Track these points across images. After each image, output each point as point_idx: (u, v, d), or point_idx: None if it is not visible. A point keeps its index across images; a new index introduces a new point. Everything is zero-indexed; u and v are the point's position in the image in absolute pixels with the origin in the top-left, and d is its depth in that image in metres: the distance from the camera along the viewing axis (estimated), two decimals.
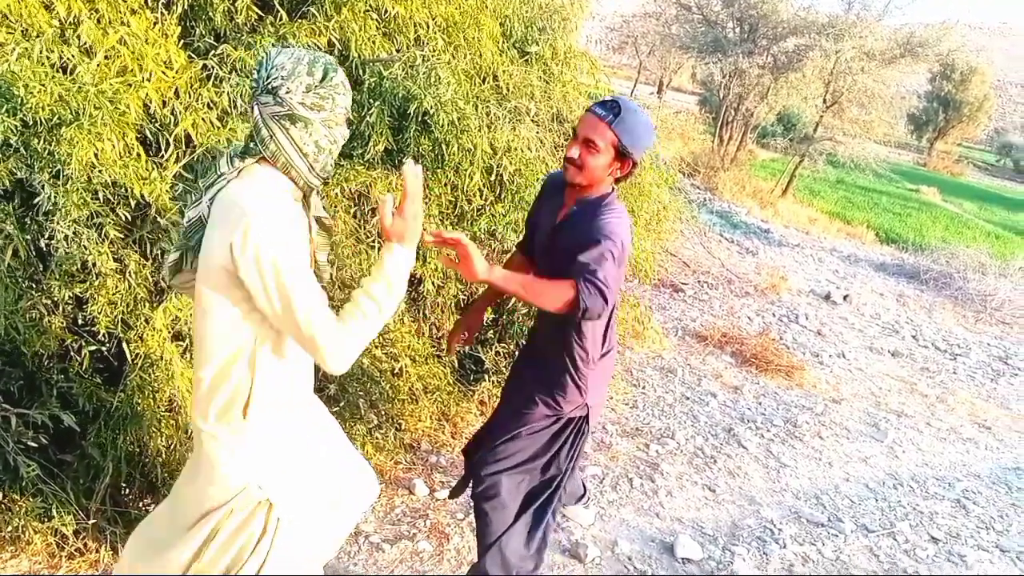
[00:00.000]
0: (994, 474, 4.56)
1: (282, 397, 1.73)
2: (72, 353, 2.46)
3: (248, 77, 3.10)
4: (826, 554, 3.37)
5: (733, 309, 7.05)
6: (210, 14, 3.20)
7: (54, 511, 2.39)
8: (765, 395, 5.05)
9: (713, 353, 5.61)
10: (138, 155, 2.55)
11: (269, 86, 1.54)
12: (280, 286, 1.51)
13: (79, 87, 2.41)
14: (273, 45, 3.20)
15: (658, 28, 18.00)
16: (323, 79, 1.56)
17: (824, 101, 14.66)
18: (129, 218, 2.57)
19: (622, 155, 2.15)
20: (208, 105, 2.97)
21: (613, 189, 2.27)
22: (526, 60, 4.96)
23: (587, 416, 2.43)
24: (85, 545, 2.47)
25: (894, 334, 7.65)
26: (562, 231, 2.27)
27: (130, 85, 2.52)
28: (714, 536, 3.35)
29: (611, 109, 2.12)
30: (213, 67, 3.06)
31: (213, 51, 3.12)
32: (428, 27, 3.99)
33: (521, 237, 2.77)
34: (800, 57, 13.41)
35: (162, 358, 2.55)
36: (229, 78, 3.07)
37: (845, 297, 8.58)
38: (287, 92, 1.54)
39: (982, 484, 4.39)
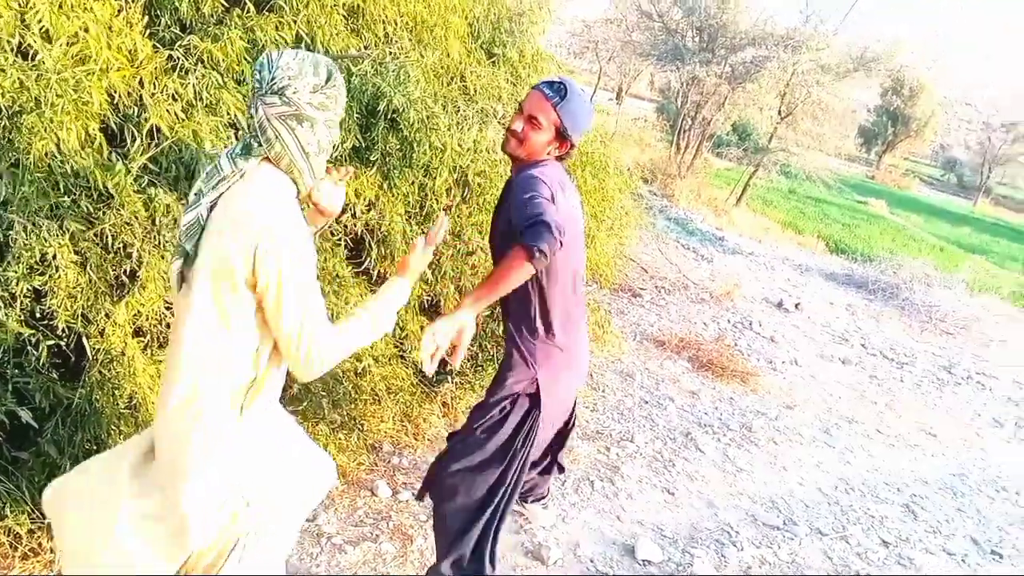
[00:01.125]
0: (940, 480, 4.69)
1: (272, 400, 1.74)
2: (29, 347, 2.38)
3: (215, 69, 3.07)
4: (782, 556, 3.43)
5: (689, 315, 7.14)
6: (176, 3, 3.14)
7: (7, 510, 2.32)
8: (721, 400, 5.12)
9: (671, 358, 5.67)
10: (101, 146, 2.49)
11: (275, 87, 1.56)
12: (296, 293, 1.57)
13: (40, 74, 2.35)
14: (241, 38, 3.16)
15: (619, 35, 18.14)
16: (328, 79, 1.59)
17: (779, 112, 14.92)
18: (91, 210, 2.51)
19: (562, 136, 2.27)
20: (173, 96, 2.92)
21: (548, 157, 2.34)
22: (493, 62, 4.96)
23: (537, 395, 2.40)
24: (40, 544, 2.40)
25: (844, 342, 7.82)
26: (498, 211, 2.41)
27: (93, 73, 2.45)
28: (674, 538, 3.38)
29: (558, 91, 2.23)
30: (179, 58, 3.00)
31: (179, 41, 3.06)
32: (396, 24, 3.98)
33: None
34: (757, 68, 13.62)
35: (123, 354, 2.49)
36: (195, 69, 3.02)
37: (797, 305, 8.74)
38: (294, 92, 1.56)
39: (929, 489, 4.51)
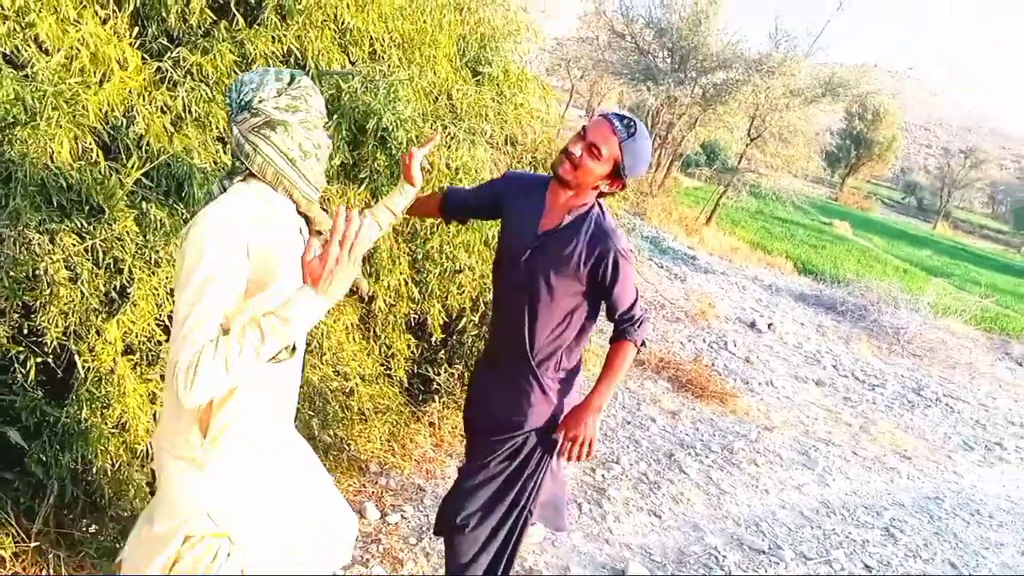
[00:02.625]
0: (916, 503, 4.74)
1: (256, 430, 1.65)
2: (16, 365, 2.31)
3: (204, 82, 3.02)
4: None
5: (667, 334, 7.17)
6: (163, 14, 3.08)
7: None
8: (701, 421, 5.14)
9: (651, 378, 5.68)
10: (96, 160, 2.43)
11: (242, 102, 1.55)
12: (193, 290, 1.39)
13: (35, 87, 2.28)
14: (231, 51, 3.11)
15: (591, 53, 18.29)
16: (291, 82, 1.57)
17: (748, 134, 15.14)
18: (82, 224, 2.44)
19: (617, 174, 2.12)
20: (162, 109, 2.86)
21: (596, 203, 2.24)
22: (478, 80, 4.95)
23: (554, 426, 2.38)
24: (23, 569, 2.31)
25: (816, 363, 7.91)
26: (551, 243, 2.20)
27: (89, 86, 2.39)
28: (662, 563, 3.37)
29: (627, 127, 2.09)
30: (168, 70, 2.95)
31: (167, 53, 3.01)
32: (384, 42, 3.95)
33: (443, 193, 2.55)
34: (729, 90, 13.82)
35: (113, 372, 2.42)
36: (184, 82, 2.96)
37: (770, 326, 8.83)
38: (260, 101, 1.54)
39: (907, 513, 4.55)
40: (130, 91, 2.72)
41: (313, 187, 1.65)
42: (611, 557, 3.32)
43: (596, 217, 2.21)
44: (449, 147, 3.79)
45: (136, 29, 2.95)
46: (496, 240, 4.01)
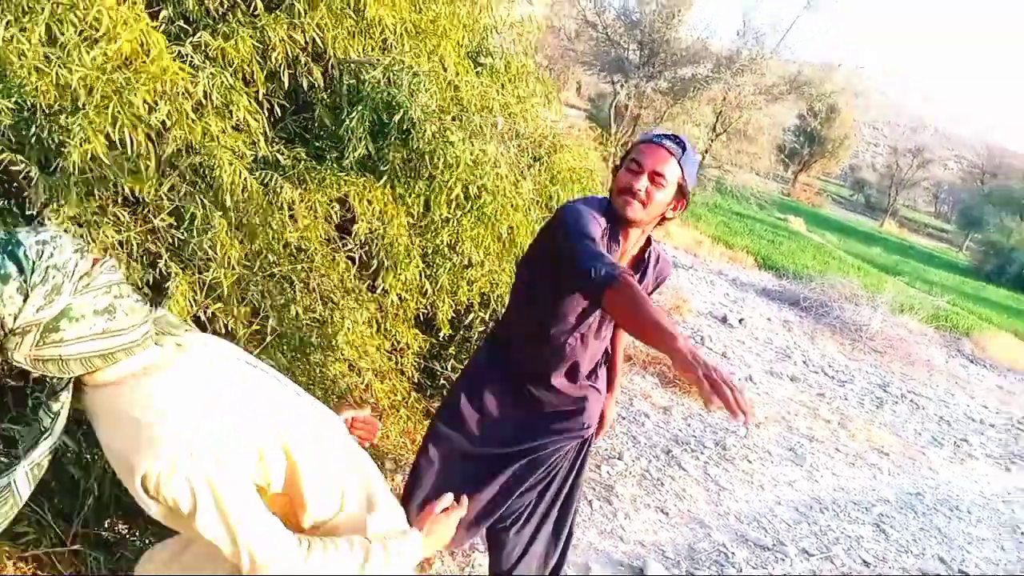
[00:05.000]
0: (900, 499, 4.89)
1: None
2: None
3: (224, 69, 2.94)
4: None
5: None
6: None
7: (30, 534, 2.17)
8: (692, 416, 5.21)
9: (639, 373, 5.74)
10: (142, 150, 2.35)
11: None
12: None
13: (84, 74, 2.20)
14: (251, 36, 3.03)
15: (559, 42, 18.27)
16: (22, 272, 1.14)
17: (714, 129, 15.32)
18: (119, 216, 2.37)
19: (681, 193, 2.03)
20: (183, 94, 2.79)
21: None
22: (478, 72, 4.92)
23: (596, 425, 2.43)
24: (58, 570, 2.25)
25: (787, 359, 8.07)
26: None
27: (139, 75, 2.32)
28: (676, 560, 3.42)
29: (679, 144, 1.99)
30: (188, 55, 2.87)
31: (185, 36, 2.93)
32: (395, 31, 3.90)
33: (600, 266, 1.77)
34: (697, 86, 13.96)
35: None
36: (204, 67, 2.89)
37: (740, 321, 8.97)
38: (15, 318, 1.14)
39: (892, 508, 4.68)
40: (158, 77, 2.65)
41: (138, 330, 1.26)
42: (627, 554, 3.35)
43: (656, 246, 2.21)
44: (470, 141, 3.76)
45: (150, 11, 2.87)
46: (507, 232, 4.02)
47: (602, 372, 2.46)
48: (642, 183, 1.96)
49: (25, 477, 1.30)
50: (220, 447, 1.26)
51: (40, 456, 1.31)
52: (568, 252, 1.84)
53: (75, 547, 2.25)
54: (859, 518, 4.40)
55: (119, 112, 2.25)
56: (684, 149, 2.00)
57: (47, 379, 1.25)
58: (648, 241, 2.17)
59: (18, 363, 1.17)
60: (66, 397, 1.26)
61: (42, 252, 1.14)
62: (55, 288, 1.14)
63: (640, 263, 2.17)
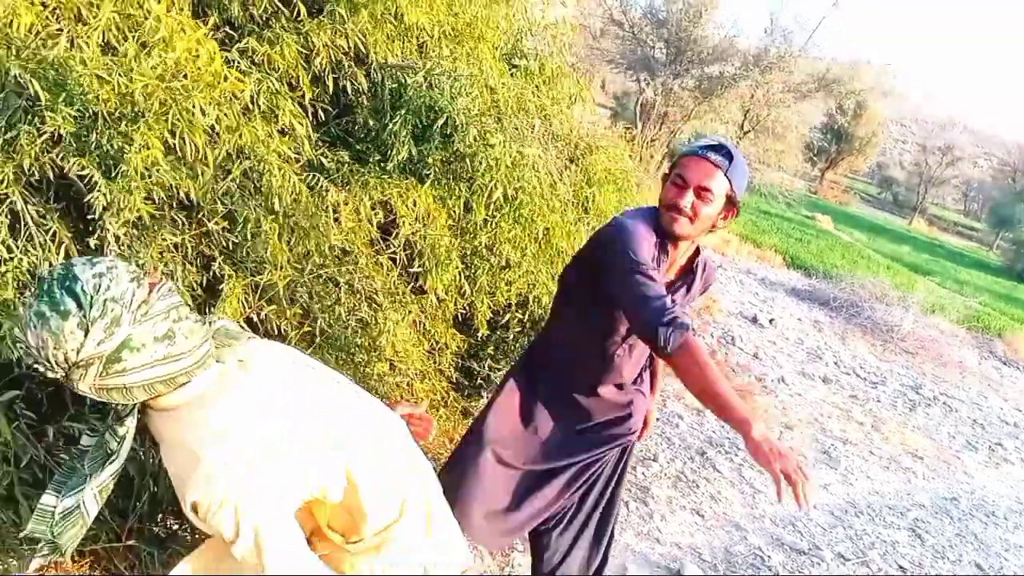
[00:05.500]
0: (935, 504, 4.86)
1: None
2: None
3: (269, 75, 2.98)
4: None
5: None
6: (225, 2, 3.04)
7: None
8: None
9: (670, 374, 5.73)
10: (197, 159, 2.40)
11: (60, 363, 1.16)
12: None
13: (145, 83, 2.25)
14: (295, 42, 3.08)
15: (584, 41, 18.25)
16: (80, 306, 1.17)
17: (742, 128, 15.24)
18: (175, 220, 2.43)
19: (730, 203, 2.01)
20: (230, 100, 2.83)
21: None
22: (512, 74, 4.94)
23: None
24: (114, 565, 2.31)
25: (818, 360, 8.03)
26: (678, 291, 2.18)
27: (202, 86, 2.37)
28: (712, 563, 3.43)
29: (725, 155, 1.95)
30: (235, 60, 2.92)
31: (231, 43, 2.98)
32: (432, 34, 3.93)
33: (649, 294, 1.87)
34: (725, 84, 13.89)
35: None
36: (251, 72, 2.94)
37: (771, 321, 8.94)
38: (78, 352, 1.17)
39: (928, 514, 4.66)
40: (213, 85, 2.70)
41: (199, 351, 1.29)
42: (663, 556, 3.37)
43: (704, 254, 2.21)
44: (511, 143, 3.79)
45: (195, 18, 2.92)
46: (544, 234, 4.04)
47: (646, 375, 2.49)
48: (688, 199, 1.94)
49: (94, 499, 1.35)
50: (271, 481, 1.31)
51: (107, 479, 1.35)
52: (627, 289, 1.87)
53: (130, 543, 2.31)
54: (894, 523, 4.39)
55: (178, 120, 2.31)
56: (731, 160, 1.96)
57: (112, 405, 1.27)
58: (697, 250, 2.19)
59: (83, 392, 1.19)
60: (131, 422, 1.31)
61: (99, 286, 1.16)
62: (114, 320, 1.16)
63: (688, 272, 2.18)
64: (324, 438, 1.43)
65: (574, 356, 2.29)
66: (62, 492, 1.31)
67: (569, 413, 2.33)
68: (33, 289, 1.17)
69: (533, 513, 2.31)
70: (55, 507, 1.31)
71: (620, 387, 2.32)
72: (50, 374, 1.17)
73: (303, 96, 3.05)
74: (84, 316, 1.14)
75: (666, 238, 2.03)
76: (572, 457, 2.31)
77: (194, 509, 1.26)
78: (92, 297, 1.15)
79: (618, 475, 2.48)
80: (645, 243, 1.95)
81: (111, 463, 1.33)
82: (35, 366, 1.16)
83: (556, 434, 2.31)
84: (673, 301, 1.87)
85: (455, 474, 2.35)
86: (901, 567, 3.88)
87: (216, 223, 2.50)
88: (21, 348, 1.17)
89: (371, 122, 3.55)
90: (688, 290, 2.18)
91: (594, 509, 2.45)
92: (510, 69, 5.00)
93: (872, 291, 11.44)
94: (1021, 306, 18.43)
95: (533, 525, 2.37)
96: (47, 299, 1.14)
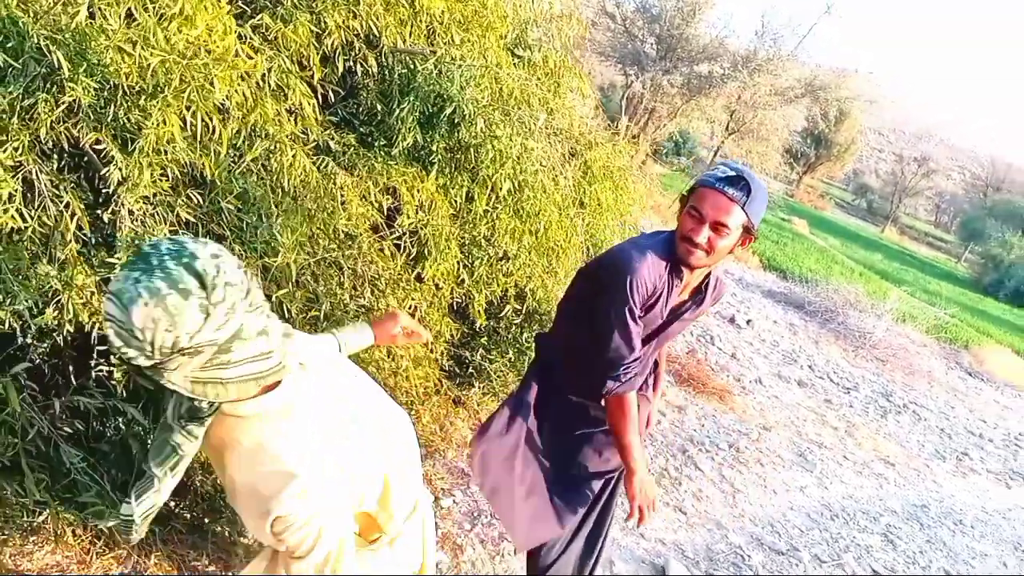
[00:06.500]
0: (906, 510, 4.97)
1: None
2: None
3: (280, 53, 2.96)
4: None
5: None
6: None
7: (90, 504, 2.22)
8: (705, 417, 5.28)
9: (667, 371, 5.78)
10: (211, 137, 2.39)
11: (164, 348, 1.06)
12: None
13: (165, 58, 2.23)
14: (308, 21, 3.06)
15: (575, 32, 18.24)
16: (203, 284, 1.06)
17: (727, 128, 15.34)
18: (188, 198, 2.41)
19: (747, 232, 1.98)
20: (242, 76, 2.81)
21: None
22: (515, 65, 4.93)
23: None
24: (114, 542, 2.30)
25: (793, 363, 8.14)
26: (685, 312, 2.20)
27: (221, 62, 2.35)
28: (695, 560, 3.49)
29: (743, 189, 1.90)
30: (247, 37, 2.89)
31: (244, 18, 2.95)
32: (442, 21, 3.92)
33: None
34: (714, 83, 13.96)
35: None
36: (263, 49, 2.92)
37: (748, 322, 9.04)
38: (191, 337, 1.07)
39: (899, 519, 4.77)
40: (224, 59, 2.67)
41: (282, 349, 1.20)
42: (648, 552, 3.43)
43: (714, 272, 2.22)
44: (517, 135, 3.79)
45: None
46: (543, 228, 4.05)
47: (650, 380, 2.53)
48: (703, 235, 1.92)
49: (166, 493, 1.33)
50: (344, 497, 1.33)
51: (177, 479, 1.31)
52: (607, 322, 2.05)
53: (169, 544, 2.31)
54: (868, 527, 4.48)
55: (195, 97, 2.29)
56: (749, 193, 1.91)
57: (194, 402, 1.20)
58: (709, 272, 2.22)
59: (172, 385, 1.09)
60: (209, 422, 1.22)
61: (218, 267, 1.06)
62: (232, 307, 1.07)
63: (699, 292, 2.19)
64: (373, 450, 1.45)
65: (583, 363, 2.31)
66: (138, 498, 1.27)
67: (578, 420, 2.39)
68: (131, 261, 1.04)
69: (544, 516, 2.37)
70: (132, 515, 1.27)
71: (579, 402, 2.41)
72: (140, 360, 1.05)
73: (311, 76, 3.04)
74: (206, 298, 1.04)
75: (682, 264, 2.03)
76: (579, 468, 2.42)
77: (274, 522, 1.19)
78: (214, 278, 1.05)
79: (615, 478, 2.52)
80: (647, 284, 2.01)
81: (181, 463, 1.26)
82: (123, 350, 1.03)
83: (565, 446, 2.41)
84: (634, 357, 2.09)
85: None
86: (875, 571, 3.97)
87: (228, 203, 2.49)
88: (112, 327, 1.03)
89: (378, 106, 3.54)
90: (697, 306, 2.20)
91: (591, 510, 2.49)
92: (513, 60, 5.00)
93: (846, 297, 11.60)
94: (987, 318, 18.81)
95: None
96: (162, 274, 1.01)
